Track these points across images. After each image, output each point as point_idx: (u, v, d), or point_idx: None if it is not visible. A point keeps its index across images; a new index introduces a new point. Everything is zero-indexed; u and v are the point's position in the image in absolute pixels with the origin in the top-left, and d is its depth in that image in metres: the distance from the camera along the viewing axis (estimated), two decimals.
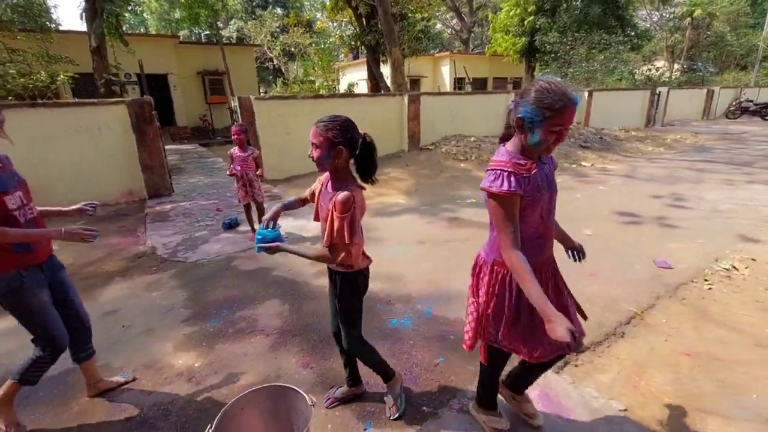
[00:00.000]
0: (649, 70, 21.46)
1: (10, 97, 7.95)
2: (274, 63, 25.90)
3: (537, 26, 18.26)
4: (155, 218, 5.69)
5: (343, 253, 1.66)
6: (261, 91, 23.36)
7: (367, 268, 1.89)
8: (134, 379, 2.41)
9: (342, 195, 1.59)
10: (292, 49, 23.51)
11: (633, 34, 18.84)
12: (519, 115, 1.39)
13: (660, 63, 25.63)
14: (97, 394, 2.26)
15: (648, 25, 26.71)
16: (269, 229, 1.75)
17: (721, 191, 6.51)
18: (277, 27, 24.78)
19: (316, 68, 19.50)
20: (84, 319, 2.14)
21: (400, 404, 2.08)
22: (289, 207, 1.97)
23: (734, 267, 3.65)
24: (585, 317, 1.73)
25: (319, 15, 28.91)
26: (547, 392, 2.18)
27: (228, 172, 4.57)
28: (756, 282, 3.39)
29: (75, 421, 2.11)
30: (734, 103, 19.47)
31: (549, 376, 2.19)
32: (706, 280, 3.45)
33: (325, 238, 1.67)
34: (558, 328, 1.28)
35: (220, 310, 3.21)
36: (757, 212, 5.32)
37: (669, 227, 4.87)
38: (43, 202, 2.11)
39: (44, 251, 1.92)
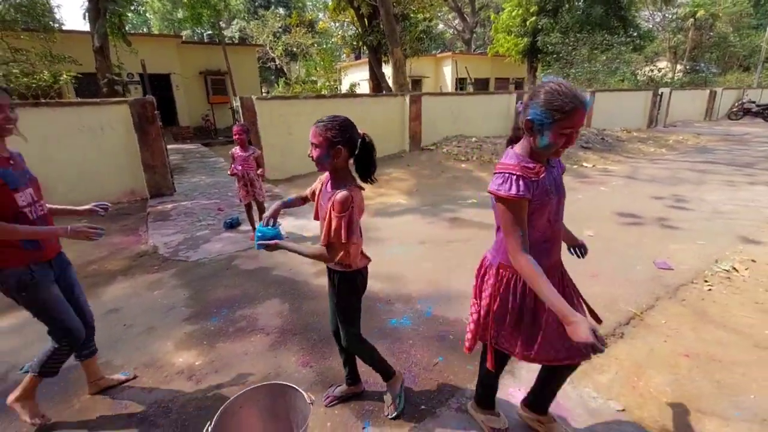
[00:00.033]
0: (652, 71, 21.41)
1: (13, 97, 7.97)
2: (277, 63, 25.96)
3: (539, 27, 18.26)
4: (157, 217, 5.71)
5: (341, 253, 1.68)
6: (263, 91, 23.41)
7: (366, 267, 1.90)
8: (135, 377, 2.43)
9: (340, 194, 1.61)
10: (295, 49, 23.59)
11: (635, 34, 18.84)
12: (528, 117, 1.36)
13: (662, 64, 25.57)
14: (99, 391, 2.28)
15: (650, 26, 26.66)
16: (269, 227, 1.76)
17: (723, 192, 6.51)
18: (280, 27, 24.87)
19: (318, 68, 19.52)
20: (88, 316, 2.17)
21: (399, 403, 2.09)
22: (290, 204, 1.98)
23: (734, 268, 3.65)
24: (599, 321, 1.69)
25: (321, 15, 28.97)
26: None
27: (229, 172, 4.59)
28: (756, 283, 3.39)
29: (76, 418, 2.13)
30: (737, 105, 19.43)
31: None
32: (706, 282, 3.45)
33: (322, 236, 1.68)
34: (579, 328, 1.21)
35: (220, 309, 3.22)
36: (758, 213, 5.31)
37: (670, 228, 4.87)
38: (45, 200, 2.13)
39: (53, 248, 1.96)
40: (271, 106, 7.74)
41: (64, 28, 11.97)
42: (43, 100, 6.74)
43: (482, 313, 1.64)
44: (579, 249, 1.85)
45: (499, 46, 20.70)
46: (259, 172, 4.52)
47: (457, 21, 32.33)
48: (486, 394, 1.93)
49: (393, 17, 11.19)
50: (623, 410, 2.07)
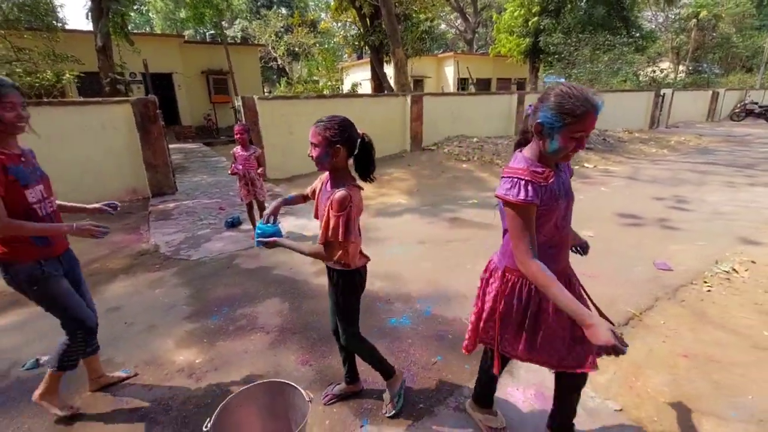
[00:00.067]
0: (654, 71, 21.37)
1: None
2: (278, 63, 25.99)
3: (541, 27, 18.22)
4: (158, 216, 5.74)
5: (340, 251, 1.69)
6: (265, 90, 23.44)
7: (365, 266, 1.91)
8: (136, 375, 2.44)
9: (339, 194, 1.62)
10: (296, 49, 23.61)
11: (638, 35, 18.77)
12: (538, 120, 1.32)
13: (665, 64, 25.56)
14: (99, 388, 2.30)
15: (653, 27, 26.60)
16: (269, 224, 1.78)
17: (723, 193, 6.50)
18: (282, 27, 24.89)
19: (320, 68, 19.55)
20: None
21: (398, 402, 2.10)
22: (290, 202, 2.01)
23: (734, 269, 3.64)
24: (611, 324, 1.67)
25: (323, 15, 29.01)
26: (543, 391, 2.20)
27: (230, 171, 4.61)
28: (755, 284, 3.39)
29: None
30: (739, 105, 19.38)
31: (545, 375, 2.20)
32: (705, 282, 3.46)
33: (320, 234, 1.70)
34: (599, 331, 1.17)
35: (221, 307, 3.24)
36: (759, 214, 5.31)
37: (670, 229, 4.87)
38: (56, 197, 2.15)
39: (62, 244, 1.99)
40: (273, 106, 7.76)
41: (67, 27, 12.03)
42: (45, 100, 6.78)
43: (483, 315, 1.64)
44: (579, 247, 1.86)
45: (501, 47, 20.67)
46: (259, 171, 4.54)
47: (459, 21, 32.31)
48: (484, 394, 1.94)
49: (395, 17, 11.21)
50: (621, 410, 2.08)
